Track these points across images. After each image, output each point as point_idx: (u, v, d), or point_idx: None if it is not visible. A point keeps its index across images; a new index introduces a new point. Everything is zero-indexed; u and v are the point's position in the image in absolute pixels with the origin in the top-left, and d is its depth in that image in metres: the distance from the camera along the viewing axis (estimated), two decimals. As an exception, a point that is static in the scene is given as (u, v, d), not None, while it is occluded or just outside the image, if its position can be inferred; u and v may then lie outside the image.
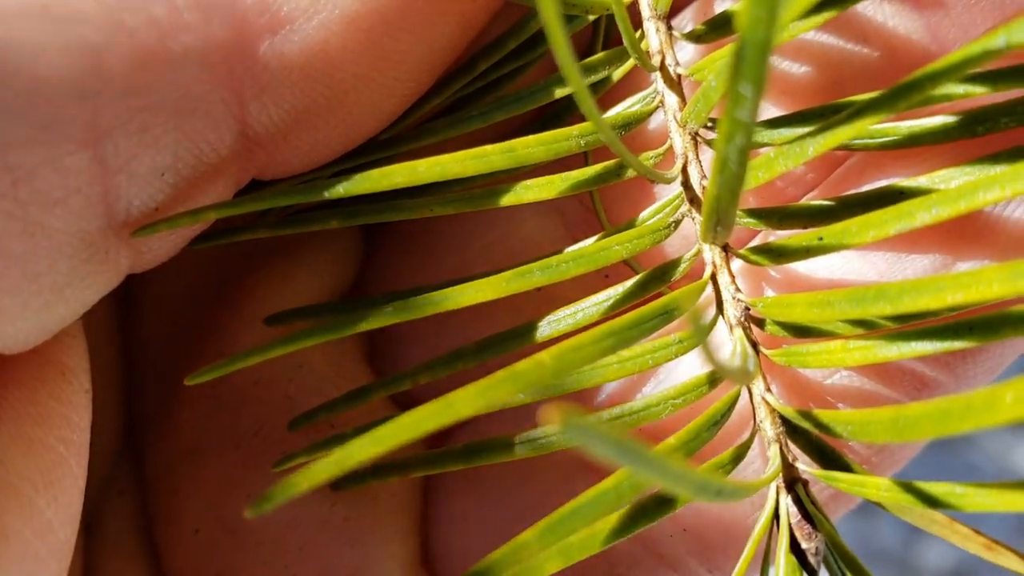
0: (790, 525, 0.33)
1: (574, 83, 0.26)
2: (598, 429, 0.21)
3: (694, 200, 0.36)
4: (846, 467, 0.34)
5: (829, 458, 0.34)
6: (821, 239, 0.32)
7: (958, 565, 1.58)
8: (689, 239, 0.38)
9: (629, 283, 0.36)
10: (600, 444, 0.21)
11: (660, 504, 0.33)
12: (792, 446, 0.34)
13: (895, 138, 0.35)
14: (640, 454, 0.23)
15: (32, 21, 0.28)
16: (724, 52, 0.34)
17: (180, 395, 0.42)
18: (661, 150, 0.37)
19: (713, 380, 0.34)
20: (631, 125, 0.37)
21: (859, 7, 0.37)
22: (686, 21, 0.39)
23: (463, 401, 0.27)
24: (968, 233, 0.35)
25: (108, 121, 0.29)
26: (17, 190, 0.28)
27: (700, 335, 0.21)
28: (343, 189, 0.33)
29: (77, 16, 0.29)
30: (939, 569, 1.57)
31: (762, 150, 0.34)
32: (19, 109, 0.28)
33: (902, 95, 0.30)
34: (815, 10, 0.32)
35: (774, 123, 0.35)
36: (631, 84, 0.38)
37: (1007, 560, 0.34)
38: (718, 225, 0.31)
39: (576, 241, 0.39)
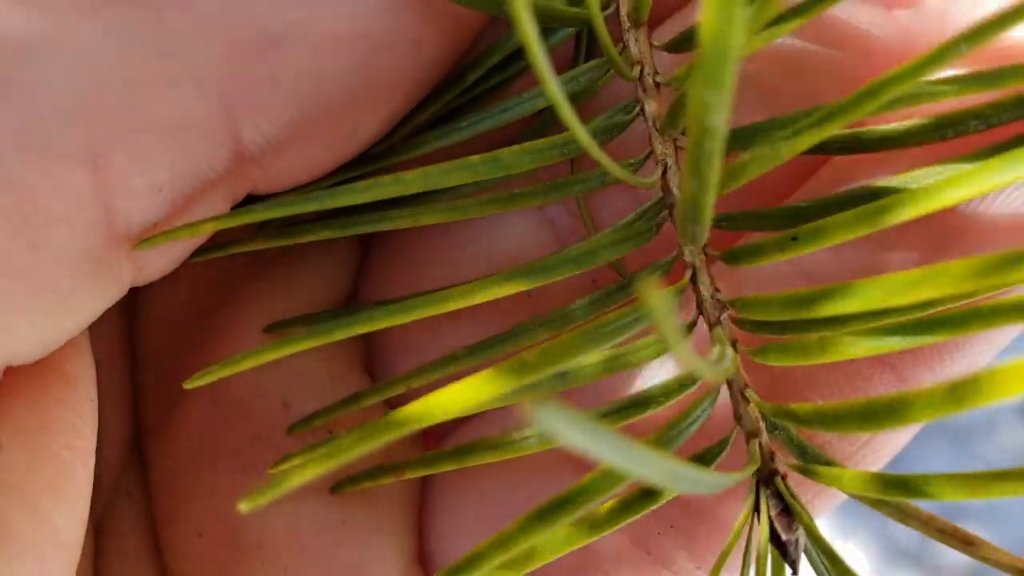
0: (770, 518, 0.34)
1: (553, 97, 0.27)
2: (570, 416, 0.22)
3: (674, 204, 0.37)
4: (825, 461, 0.35)
5: (809, 453, 0.35)
6: (795, 239, 0.33)
7: (974, 563, 1.58)
8: (671, 242, 0.39)
9: (613, 285, 0.37)
10: (573, 432, 0.22)
11: (645, 497, 0.34)
12: (772, 441, 0.35)
13: (868, 141, 0.36)
14: (614, 441, 0.24)
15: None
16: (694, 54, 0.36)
17: (183, 402, 0.44)
18: (642, 156, 0.38)
19: (695, 378, 0.35)
20: (613, 133, 0.38)
21: (837, 11, 0.38)
22: (669, 32, 0.40)
23: (449, 400, 0.29)
24: (941, 233, 0.36)
25: (105, 140, 0.31)
26: (19, 208, 0.30)
27: (670, 341, 0.22)
28: (333, 201, 0.34)
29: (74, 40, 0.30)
30: (956, 566, 1.57)
31: (737, 156, 0.35)
32: (19, 130, 0.29)
33: (868, 98, 0.31)
34: (783, 18, 0.33)
35: (748, 130, 0.36)
36: (615, 93, 0.39)
37: (988, 554, 0.34)
38: (693, 229, 0.32)
39: (563, 244, 0.40)
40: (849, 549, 1.58)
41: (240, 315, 0.44)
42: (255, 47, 0.33)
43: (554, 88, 0.27)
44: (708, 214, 0.31)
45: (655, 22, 0.40)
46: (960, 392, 0.26)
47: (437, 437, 0.45)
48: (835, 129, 0.31)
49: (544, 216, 0.43)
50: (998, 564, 0.34)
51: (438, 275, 0.44)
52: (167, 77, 0.32)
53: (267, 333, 0.43)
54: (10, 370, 0.34)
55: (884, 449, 0.39)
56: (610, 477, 0.31)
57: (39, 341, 0.33)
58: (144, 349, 0.45)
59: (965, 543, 0.35)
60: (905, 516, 0.34)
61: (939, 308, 0.33)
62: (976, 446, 1.70)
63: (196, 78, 0.32)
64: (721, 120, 0.26)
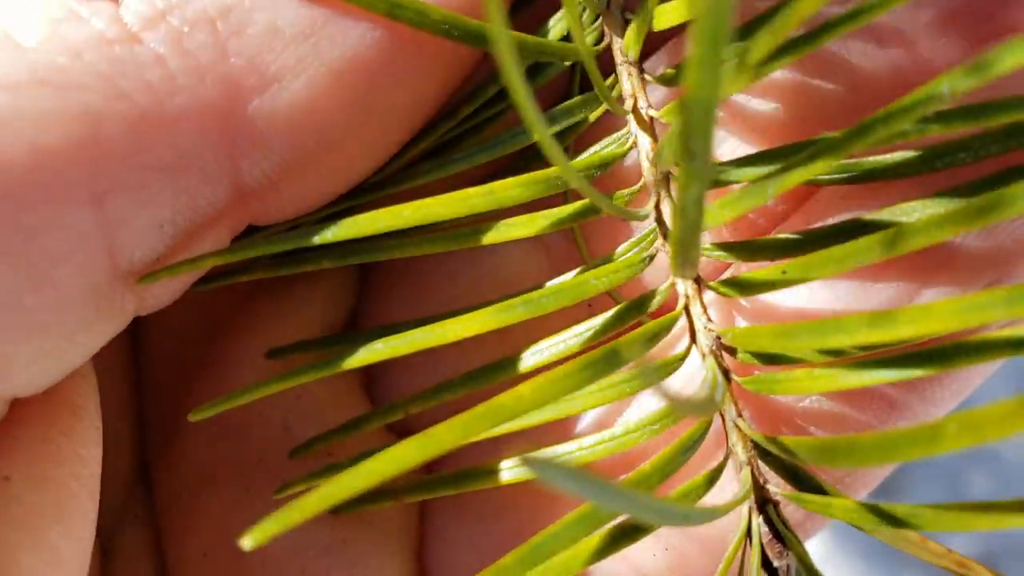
0: (762, 544, 0.35)
1: (539, 135, 0.28)
2: (554, 464, 0.23)
3: (667, 235, 0.38)
4: (816, 488, 0.36)
5: (800, 478, 0.36)
6: (785, 273, 0.34)
7: (978, 558, 1.58)
8: (665, 270, 0.39)
9: (608, 314, 0.38)
10: (558, 479, 0.23)
11: (638, 526, 0.34)
12: (764, 468, 0.36)
13: (859, 172, 0.36)
14: (600, 486, 0.25)
15: (34, 91, 0.30)
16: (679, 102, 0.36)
17: (186, 427, 0.44)
18: (635, 188, 0.38)
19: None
20: (607, 165, 0.39)
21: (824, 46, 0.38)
22: (659, 62, 0.41)
23: (447, 434, 0.29)
24: (930, 263, 0.37)
25: (108, 181, 0.31)
26: (27, 247, 0.30)
27: (651, 380, 0.23)
28: (332, 234, 0.35)
29: (76, 84, 0.31)
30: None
31: (730, 187, 0.36)
32: (25, 173, 0.30)
33: (856, 138, 0.31)
34: (771, 59, 0.33)
35: (740, 163, 0.36)
36: (609, 123, 0.40)
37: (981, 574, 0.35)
38: (684, 263, 0.33)
39: (560, 272, 0.41)
40: (846, 545, 1.58)
41: (241, 340, 0.45)
42: (253, 85, 0.34)
43: (540, 128, 0.27)
44: (698, 251, 0.32)
45: (648, 51, 0.41)
46: (943, 432, 0.26)
47: (435, 461, 0.46)
48: (824, 166, 0.32)
49: (540, 242, 0.44)
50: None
51: (436, 300, 0.44)
52: (167, 118, 0.32)
53: (268, 359, 0.43)
54: (16, 402, 0.34)
55: (875, 473, 0.40)
56: (605, 509, 0.32)
57: (45, 374, 0.34)
58: (147, 374, 0.46)
59: (959, 565, 0.35)
60: (898, 540, 0.35)
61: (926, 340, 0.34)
62: (990, 444, 1.70)
63: (196, 118, 0.33)
64: (705, 167, 0.26)
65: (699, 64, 0.24)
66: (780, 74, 0.39)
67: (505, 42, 0.24)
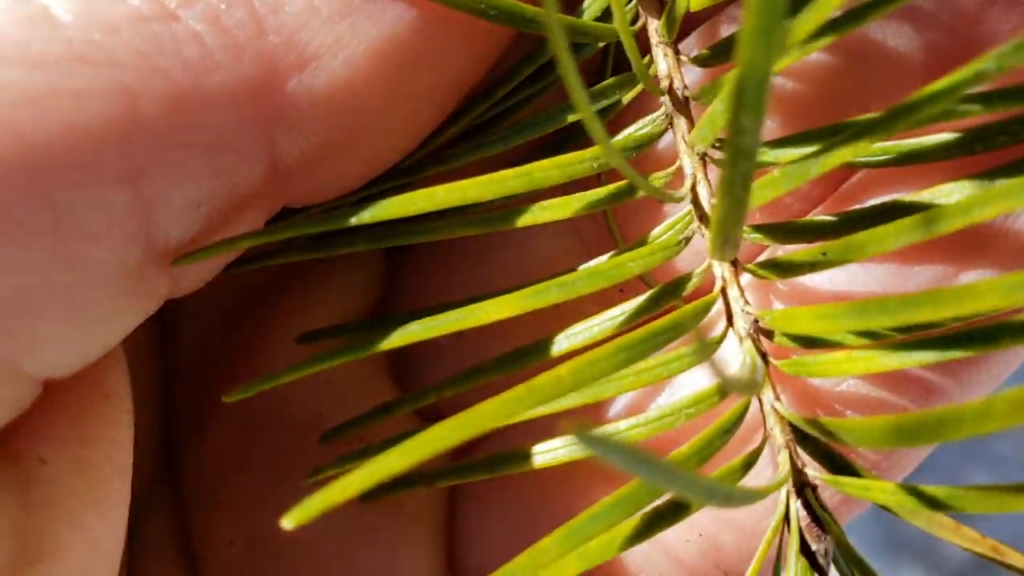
0: (800, 528, 0.35)
1: (584, 113, 0.27)
2: (609, 440, 0.23)
3: (703, 217, 0.37)
4: (854, 472, 0.35)
5: (837, 463, 0.36)
6: (825, 254, 0.34)
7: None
8: (700, 254, 0.39)
9: (642, 298, 0.37)
10: (612, 454, 0.23)
11: (675, 510, 0.34)
12: (801, 452, 0.36)
13: (896, 155, 0.36)
14: (650, 463, 0.24)
15: (71, 68, 0.30)
16: (729, 76, 0.36)
17: (214, 412, 0.44)
18: (671, 170, 0.38)
19: (723, 390, 0.36)
20: (642, 146, 0.39)
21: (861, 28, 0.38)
22: (692, 45, 0.40)
23: (485, 415, 0.29)
24: (970, 245, 0.36)
25: (145, 159, 0.31)
26: (60, 227, 0.30)
27: (705, 353, 0.23)
28: (369, 215, 0.35)
29: (112, 61, 0.31)
30: (962, 558, 1.57)
31: (768, 170, 0.36)
32: (60, 151, 0.30)
33: (899, 117, 0.31)
34: (814, 37, 0.33)
35: (778, 143, 0.36)
36: (642, 106, 0.40)
37: (1015, 561, 0.35)
38: (725, 243, 0.32)
39: (592, 256, 0.40)
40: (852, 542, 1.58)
41: (272, 325, 0.44)
42: (291, 64, 0.33)
43: (586, 107, 0.27)
44: (740, 231, 0.32)
45: (681, 34, 0.41)
46: (994, 410, 0.26)
47: (466, 445, 0.45)
48: (867, 146, 0.32)
49: (572, 226, 0.43)
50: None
51: (468, 284, 0.44)
52: (205, 95, 0.32)
53: (299, 344, 0.43)
54: (50, 384, 0.34)
55: (910, 457, 0.40)
56: (642, 491, 0.32)
57: (77, 355, 0.34)
58: (176, 359, 0.46)
59: (993, 550, 0.35)
60: (933, 525, 0.35)
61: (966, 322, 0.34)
62: (988, 438, 1.70)
63: (233, 96, 0.33)
64: (755, 142, 0.26)
65: (753, 34, 0.23)
66: (816, 56, 0.39)
67: (555, 19, 0.24)
